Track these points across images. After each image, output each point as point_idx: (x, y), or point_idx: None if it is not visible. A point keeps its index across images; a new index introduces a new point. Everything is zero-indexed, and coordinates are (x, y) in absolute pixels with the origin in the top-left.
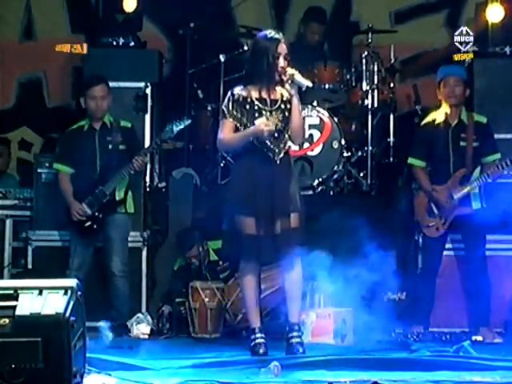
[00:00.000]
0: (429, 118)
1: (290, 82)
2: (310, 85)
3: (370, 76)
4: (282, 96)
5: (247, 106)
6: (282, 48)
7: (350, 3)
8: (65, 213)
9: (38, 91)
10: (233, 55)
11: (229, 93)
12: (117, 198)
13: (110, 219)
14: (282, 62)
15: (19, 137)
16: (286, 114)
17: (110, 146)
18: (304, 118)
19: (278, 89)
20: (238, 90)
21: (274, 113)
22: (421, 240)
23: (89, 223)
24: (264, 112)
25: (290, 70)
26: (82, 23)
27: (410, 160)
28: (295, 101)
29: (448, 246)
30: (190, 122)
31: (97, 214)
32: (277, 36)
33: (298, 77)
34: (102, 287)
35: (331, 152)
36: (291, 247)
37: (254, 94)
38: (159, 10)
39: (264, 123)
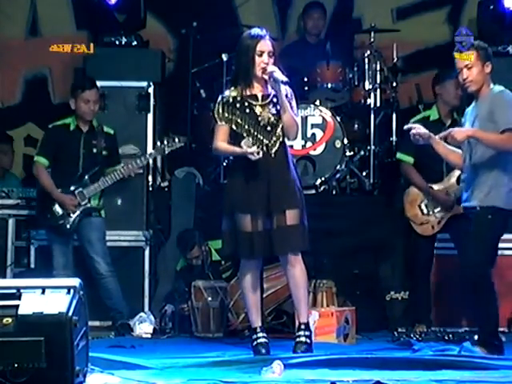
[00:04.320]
0: (420, 115)
1: (271, 79)
2: (285, 79)
3: (372, 75)
4: (272, 90)
5: (238, 105)
6: (265, 44)
7: (352, 0)
8: (39, 211)
9: (43, 88)
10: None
11: (219, 97)
12: (92, 204)
13: (85, 222)
14: (265, 59)
15: (25, 133)
16: (278, 107)
17: (95, 150)
18: (306, 118)
19: (268, 84)
20: (228, 92)
21: (265, 107)
22: (412, 238)
23: (61, 221)
24: (255, 108)
25: (269, 68)
26: (86, 20)
27: (399, 155)
28: (282, 97)
29: (447, 245)
30: (183, 144)
31: (72, 214)
32: (259, 33)
33: (277, 73)
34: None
35: (334, 151)
36: (287, 245)
37: (244, 92)
38: (164, 9)
39: (249, 151)
